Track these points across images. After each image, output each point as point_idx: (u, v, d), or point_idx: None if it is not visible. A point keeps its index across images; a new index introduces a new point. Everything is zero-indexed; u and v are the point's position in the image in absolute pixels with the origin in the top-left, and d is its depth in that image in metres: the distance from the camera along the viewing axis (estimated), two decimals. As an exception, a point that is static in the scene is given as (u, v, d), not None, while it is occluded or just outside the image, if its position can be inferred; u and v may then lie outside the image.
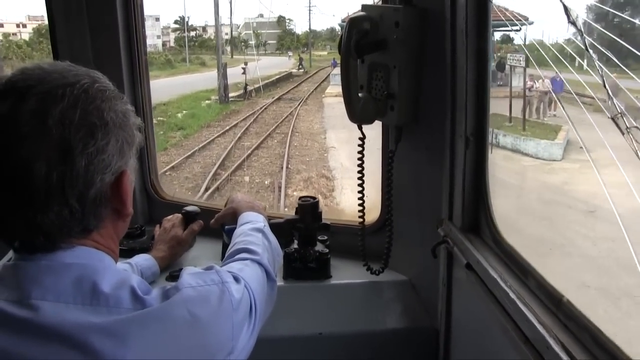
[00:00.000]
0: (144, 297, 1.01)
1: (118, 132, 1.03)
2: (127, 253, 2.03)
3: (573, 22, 1.12)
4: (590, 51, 1.18)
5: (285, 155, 15.27)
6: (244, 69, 28.68)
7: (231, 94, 27.14)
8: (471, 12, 1.49)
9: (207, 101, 25.93)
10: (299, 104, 25.24)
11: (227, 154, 15.29)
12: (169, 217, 2.13)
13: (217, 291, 1.11)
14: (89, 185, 0.99)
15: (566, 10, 1.12)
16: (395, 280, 1.99)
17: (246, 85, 28.07)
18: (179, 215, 2.11)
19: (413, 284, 1.98)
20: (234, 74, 27.79)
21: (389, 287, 1.98)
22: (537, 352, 1.16)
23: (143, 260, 1.89)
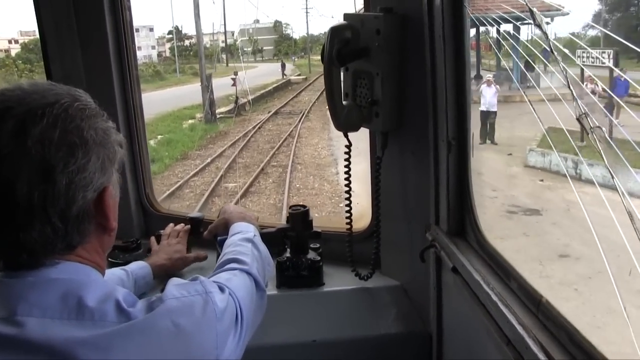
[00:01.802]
0: (128, 309, 1.02)
1: (99, 149, 1.05)
2: (122, 266, 2.06)
3: (538, 25, 1.14)
4: (555, 53, 1.18)
5: (284, 210, 10.31)
6: (233, 79, 25.36)
7: (221, 109, 23.97)
8: (447, 17, 1.51)
9: (190, 121, 22.27)
10: (299, 120, 21.27)
11: (203, 203, 11.23)
12: (177, 226, 2.16)
13: (201, 301, 1.12)
14: (71, 203, 1.00)
15: (532, 13, 1.14)
16: (387, 286, 2.00)
17: (237, 98, 24.54)
18: (186, 227, 2.14)
19: (405, 288, 1.99)
20: (226, 85, 25.31)
21: (382, 292, 1.99)
22: (517, 353, 1.17)
23: (138, 268, 1.89)
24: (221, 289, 1.19)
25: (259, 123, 21.03)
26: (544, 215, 7.76)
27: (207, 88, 22.59)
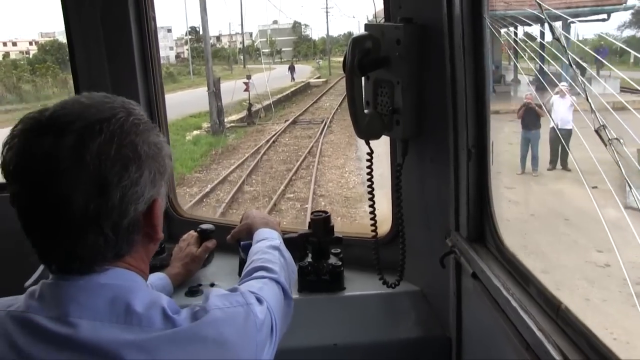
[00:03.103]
0: (173, 317, 1.07)
1: (151, 163, 1.08)
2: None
3: (557, 39, 1.16)
4: (574, 66, 1.20)
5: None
6: (246, 83, 22.52)
7: (233, 117, 22.05)
8: (467, 28, 1.55)
9: (195, 132, 19.81)
10: (320, 133, 18.37)
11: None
12: (184, 236, 2.19)
13: (243, 312, 1.16)
14: (123, 215, 1.05)
15: (551, 27, 1.16)
16: (407, 291, 2.02)
17: (250, 105, 22.19)
18: (194, 233, 2.18)
19: (425, 293, 2.02)
20: (240, 88, 22.28)
21: (402, 297, 2.02)
22: (537, 357, 1.20)
23: (157, 279, 1.93)
24: (259, 301, 1.23)
25: (273, 135, 18.46)
26: None
27: (214, 94, 20.08)
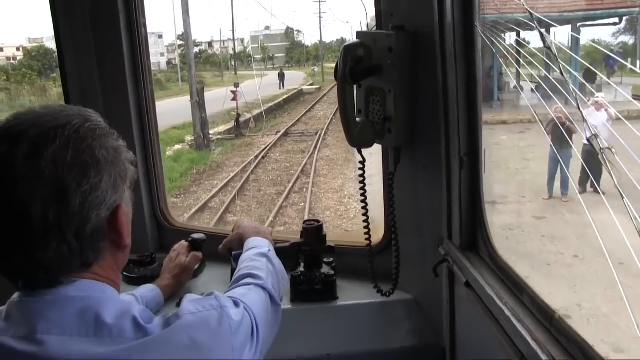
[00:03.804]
0: (145, 325, 1.05)
1: (110, 168, 1.08)
2: (138, 281, 2.09)
3: (548, 47, 1.16)
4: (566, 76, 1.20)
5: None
6: (233, 92, 20.76)
7: (221, 128, 20.67)
8: (459, 35, 1.54)
9: (177, 146, 17.98)
10: (315, 147, 16.87)
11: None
12: (175, 246, 2.17)
13: (216, 315, 1.14)
14: (85, 221, 1.03)
15: (542, 36, 1.16)
16: (400, 300, 2.01)
17: (238, 116, 20.59)
18: (185, 243, 2.15)
19: (418, 302, 2.00)
20: (229, 96, 20.56)
21: (395, 306, 2.00)
22: (531, 368, 1.19)
23: (148, 291, 1.91)
24: (236, 304, 1.22)
25: (263, 150, 16.82)
26: None
27: (198, 104, 18.44)
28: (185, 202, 12.57)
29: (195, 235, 2.17)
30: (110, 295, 1.11)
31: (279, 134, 19.62)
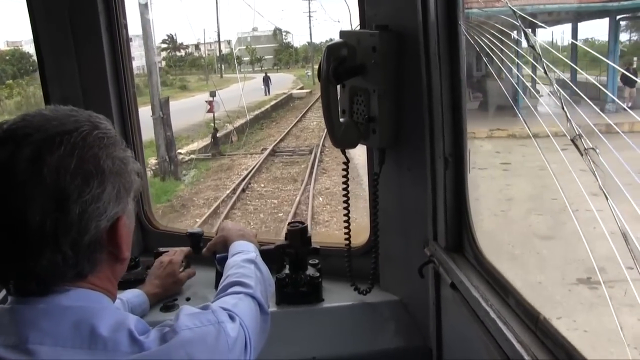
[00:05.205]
0: (141, 339, 1.02)
1: (115, 179, 1.04)
2: (121, 285, 2.00)
3: (532, 46, 1.15)
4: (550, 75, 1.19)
5: None
6: (209, 103, 17.85)
7: (196, 145, 17.29)
8: (442, 35, 1.53)
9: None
10: (309, 174, 13.38)
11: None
12: (169, 251, 2.13)
13: (214, 331, 1.13)
14: (83, 232, 1.00)
15: (525, 34, 1.15)
16: (387, 301, 1.99)
17: (215, 131, 17.33)
18: (181, 252, 2.13)
19: (404, 303, 1.99)
20: (206, 108, 17.87)
21: (381, 307, 1.99)
22: (517, 371, 1.18)
23: (134, 296, 1.88)
24: (231, 318, 1.20)
25: (244, 179, 13.44)
26: None
27: (162, 120, 14.53)
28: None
29: (193, 230, 2.15)
30: (105, 305, 1.08)
31: (265, 153, 16.53)
